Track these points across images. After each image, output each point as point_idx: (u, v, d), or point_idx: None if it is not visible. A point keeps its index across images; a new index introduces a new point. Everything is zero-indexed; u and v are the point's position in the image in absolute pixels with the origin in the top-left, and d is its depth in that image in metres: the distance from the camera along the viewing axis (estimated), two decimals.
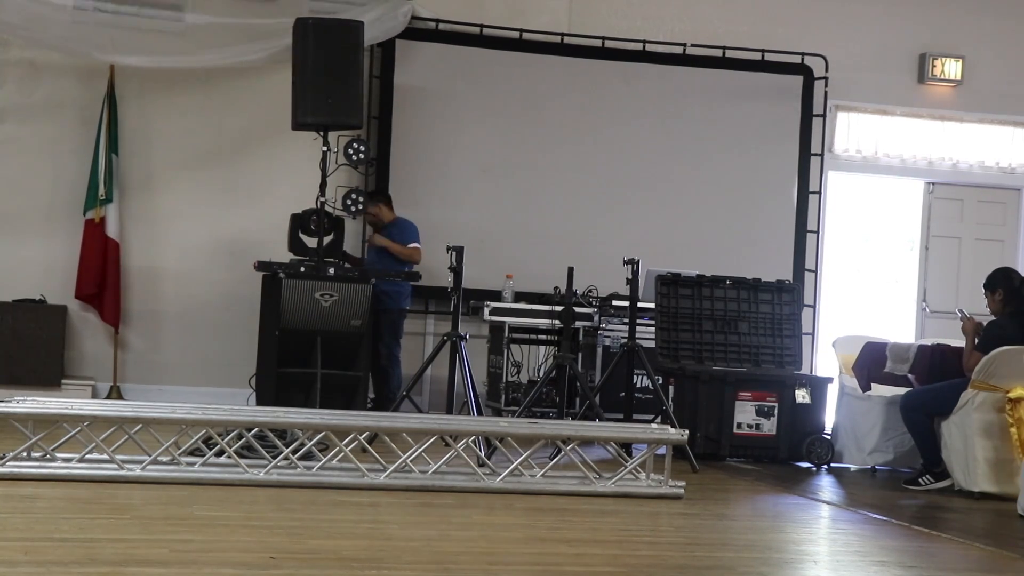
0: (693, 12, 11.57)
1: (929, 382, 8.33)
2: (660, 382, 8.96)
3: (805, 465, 8.92)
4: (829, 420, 9.22)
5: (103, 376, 10.36)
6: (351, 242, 10.22)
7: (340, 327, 8.77)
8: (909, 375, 8.54)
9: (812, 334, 11.53)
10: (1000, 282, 8.26)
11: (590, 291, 9.55)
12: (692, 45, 11.38)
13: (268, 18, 10.35)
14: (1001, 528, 6.86)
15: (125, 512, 5.61)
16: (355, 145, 9.11)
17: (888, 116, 12.06)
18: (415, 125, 10.86)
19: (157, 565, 4.52)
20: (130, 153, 10.40)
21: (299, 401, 8.52)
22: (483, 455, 7.26)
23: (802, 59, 11.55)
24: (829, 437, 9.04)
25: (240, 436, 6.64)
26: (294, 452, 6.66)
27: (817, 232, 11.65)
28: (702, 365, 9.23)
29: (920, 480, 8.05)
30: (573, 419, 8.45)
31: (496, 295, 9.81)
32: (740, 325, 9.41)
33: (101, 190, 10.13)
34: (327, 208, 9.03)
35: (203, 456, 6.57)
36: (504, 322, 9.47)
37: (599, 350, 9.79)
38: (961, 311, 8.43)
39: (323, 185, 9.01)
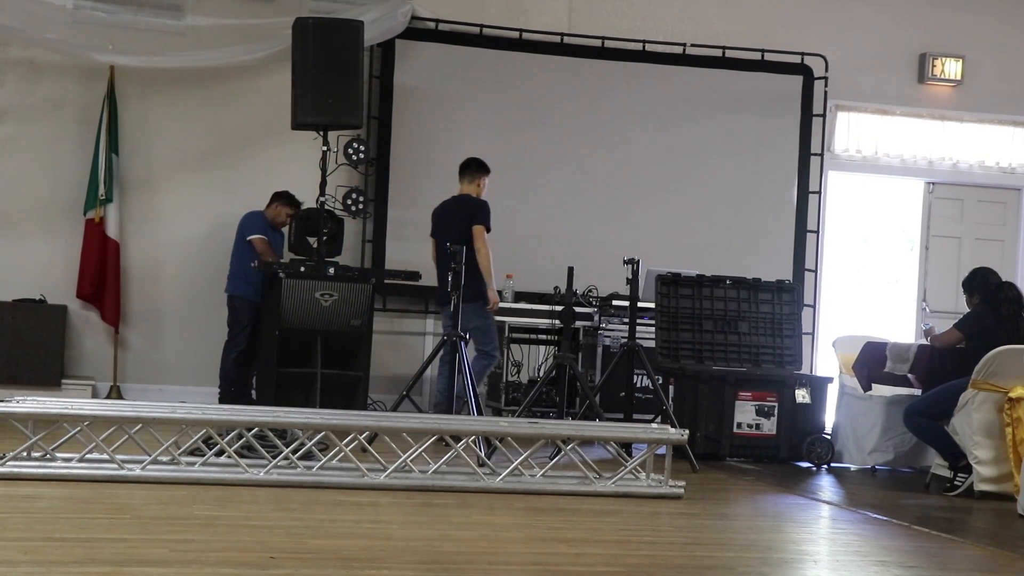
0: (693, 12, 11.58)
1: (929, 382, 8.33)
2: (660, 382, 8.96)
3: (805, 465, 8.93)
4: (829, 420, 9.22)
5: (103, 376, 10.36)
6: (350, 242, 10.22)
7: (340, 327, 8.77)
8: (909, 375, 8.54)
9: (812, 334, 11.53)
10: (978, 287, 8.30)
11: (590, 291, 9.55)
12: (692, 45, 11.38)
13: (268, 18, 10.36)
14: (1001, 528, 6.86)
15: (125, 512, 5.60)
16: (355, 145, 9.11)
17: (888, 116, 12.07)
18: (415, 125, 10.86)
19: (157, 565, 4.51)
20: (130, 153, 10.41)
21: (299, 401, 8.52)
22: (483, 455, 7.26)
23: (802, 59, 11.55)
24: (829, 437, 9.04)
25: (240, 436, 6.64)
26: (294, 452, 6.66)
27: (817, 232, 11.65)
28: (702, 365, 9.22)
29: (955, 482, 7.85)
30: (573, 419, 8.45)
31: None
32: (740, 325, 9.41)
33: (101, 190, 10.13)
34: (327, 208, 9.04)
35: (203, 456, 6.57)
36: (504, 322, 9.46)
37: (599, 350, 9.80)
38: (927, 325, 8.58)
39: (323, 185, 9.01)
